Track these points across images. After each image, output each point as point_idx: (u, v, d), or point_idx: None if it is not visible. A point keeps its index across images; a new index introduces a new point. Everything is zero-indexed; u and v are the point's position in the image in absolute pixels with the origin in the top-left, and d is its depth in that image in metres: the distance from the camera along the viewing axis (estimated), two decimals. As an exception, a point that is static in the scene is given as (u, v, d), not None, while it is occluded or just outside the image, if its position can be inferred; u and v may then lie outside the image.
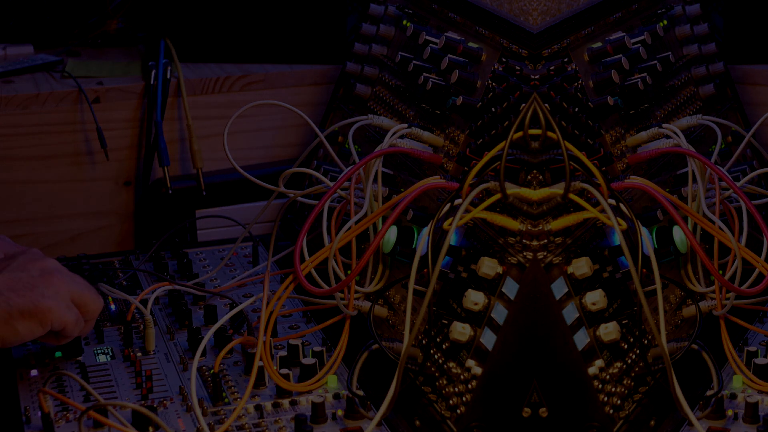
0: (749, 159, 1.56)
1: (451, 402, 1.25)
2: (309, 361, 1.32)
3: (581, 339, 1.23)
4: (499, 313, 1.23)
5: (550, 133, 1.24)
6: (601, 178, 1.23)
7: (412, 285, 1.22)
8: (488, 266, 1.25)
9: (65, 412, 1.26)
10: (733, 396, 1.25)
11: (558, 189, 1.24)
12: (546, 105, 1.25)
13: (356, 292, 1.36)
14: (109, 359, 1.39)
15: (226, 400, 1.29)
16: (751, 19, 1.72)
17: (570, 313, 1.23)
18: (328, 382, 1.31)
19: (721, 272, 1.31)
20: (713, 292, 1.33)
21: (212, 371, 1.32)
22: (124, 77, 1.81)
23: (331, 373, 1.32)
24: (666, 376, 1.16)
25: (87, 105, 1.75)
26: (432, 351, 1.28)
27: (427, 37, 1.53)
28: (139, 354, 1.39)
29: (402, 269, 1.37)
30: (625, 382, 1.26)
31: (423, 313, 1.21)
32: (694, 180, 1.35)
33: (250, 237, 1.67)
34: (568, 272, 1.24)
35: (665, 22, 1.54)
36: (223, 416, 1.25)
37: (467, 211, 1.25)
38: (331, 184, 1.38)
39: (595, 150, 1.32)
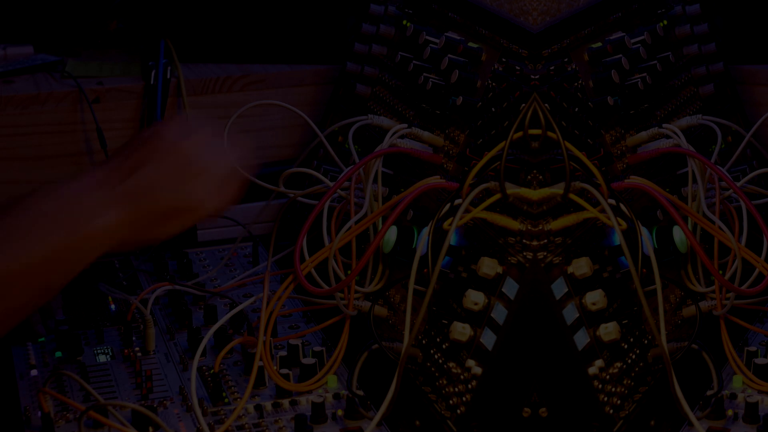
0: (749, 159, 1.56)
1: (451, 402, 1.25)
2: (309, 361, 1.32)
3: (581, 339, 1.23)
4: (499, 313, 1.23)
5: (550, 133, 1.24)
6: (601, 178, 1.23)
7: (412, 285, 1.22)
8: (488, 266, 1.25)
9: (65, 412, 1.26)
10: (733, 396, 1.25)
11: (558, 189, 1.24)
12: (546, 105, 1.25)
13: (356, 292, 1.36)
14: (109, 359, 1.39)
15: (226, 400, 1.29)
16: (751, 19, 1.72)
17: (570, 313, 1.23)
18: (328, 382, 1.31)
19: (721, 272, 1.31)
20: (713, 292, 1.33)
21: (212, 371, 1.32)
22: (124, 77, 1.81)
23: (331, 373, 1.32)
24: (666, 376, 1.16)
25: (87, 105, 1.75)
26: (432, 351, 1.28)
27: (427, 37, 1.53)
28: (139, 354, 1.39)
29: (402, 269, 1.37)
30: (625, 382, 1.26)
31: (423, 313, 1.21)
32: (694, 180, 1.35)
33: (250, 237, 1.67)
34: (568, 272, 1.24)
35: (665, 22, 1.54)
36: (223, 416, 1.25)
37: (467, 211, 1.25)
38: (331, 184, 1.39)
39: (595, 150, 1.32)
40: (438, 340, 1.28)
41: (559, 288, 1.23)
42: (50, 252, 1.10)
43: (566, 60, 1.39)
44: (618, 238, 1.19)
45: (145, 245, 1.20)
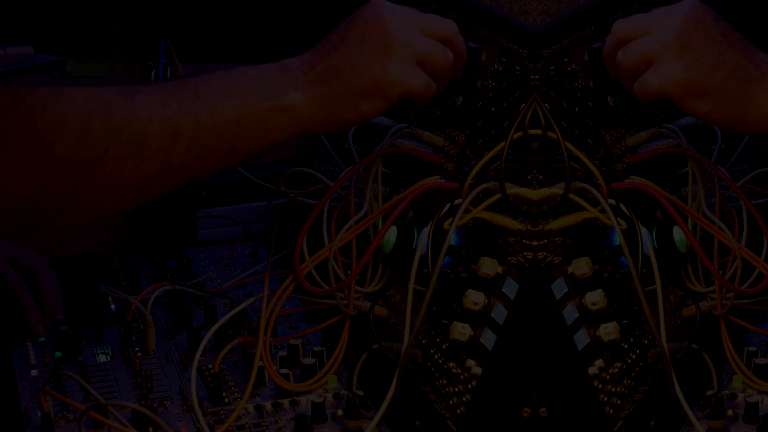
0: (749, 159, 1.56)
1: (451, 402, 1.25)
2: (309, 361, 1.32)
3: (581, 339, 1.23)
4: (499, 313, 1.23)
5: (550, 133, 1.24)
6: (601, 178, 1.23)
7: (412, 285, 1.22)
8: (488, 266, 1.25)
9: (65, 412, 1.26)
10: (733, 396, 1.25)
11: (558, 189, 1.24)
12: (546, 105, 1.25)
13: (356, 292, 1.36)
14: (109, 359, 1.39)
15: (226, 400, 1.29)
16: (751, 19, 1.72)
17: (570, 313, 1.23)
18: (328, 382, 1.31)
19: (721, 272, 1.31)
20: (713, 292, 1.32)
21: (212, 371, 1.32)
22: (124, 77, 1.81)
23: (331, 373, 1.32)
24: (666, 376, 1.16)
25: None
26: (432, 351, 1.28)
27: (427, 37, 1.53)
28: (139, 354, 1.39)
29: (402, 269, 1.37)
30: (625, 382, 1.26)
31: (423, 313, 1.21)
32: (694, 180, 1.35)
33: (250, 237, 1.67)
34: (568, 272, 1.24)
35: (665, 22, 1.54)
36: (223, 416, 1.25)
37: (467, 211, 1.25)
38: (331, 184, 1.38)
39: (595, 150, 1.32)
40: (438, 340, 1.28)
41: (559, 288, 1.23)
42: (238, 113, 1.12)
43: (566, 60, 1.39)
44: (618, 238, 1.19)
45: (337, 128, 1.18)
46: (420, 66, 1.19)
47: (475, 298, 1.24)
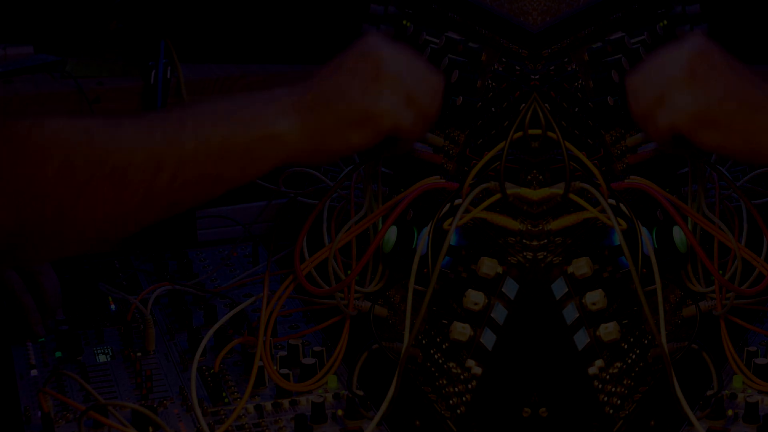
0: (749, 159, 1.56)
1: (451, 402, 1.25)
2: (309, 361, 1.32)
3: (581, 339, 1.23)
4: (499, 313, 1.23)
5: (550, 133, 1.24)
6: (601, 178, 1.23)
7: (412, 285, 1.22)
8: (488, 266, 1.25)
9: (65, 412, 1.26)
10: (733, 396, 1.25)
11: (558, 189, 1.24)
12: (546, 105, 1.25)
13: (356, 292, 1.36)
14: (109, 359, 1.39)
15: (226, 400, 1.29)
16: (751, 19, 1.72)
17: (570, 313, 1.23)
18: (328, 382, 1.31)
19: (721, 272, 1.31)
20: (713, 292, 1.32)
21: (212, 371, 1.32)
22: (124, 77, 1.81)
23: (331, 373, 1.32)
24: (666, 376, 1.16)
25: (87, 105, 1.75)
26: (432, 351, 1.28)
27: (427, 37, 1.53)
28: (139, 354, 1.39)
29: (402, 269, 1.37)
30: (625, 382, 1.26)
31: (423, 313, 1.21)
32: (694, 180, 1.35)
33: (250, 237, 1.67)
34: (568, 272, 1.24)
35: (665, 22, 1.54)
36: (223, 416, 1.25)
37: (467, 211, 1.25)
38: (332, 184, 1.38)
39: (595, 150, 1.32)
40: (438, 340, 1.28)
41: (559, 288, 1.23)
42: (224, 143, 1.11)
43: (566, 60, 1.39)
44: (618, 238, 1.19)
45: (325, 158, 1.17)
46: (410, 100, 1.17)
47: (475, 298, 1.24)
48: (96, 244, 1.15)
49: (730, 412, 1.22)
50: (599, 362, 1.23)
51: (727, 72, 1.13)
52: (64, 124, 1.10)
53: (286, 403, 1.28)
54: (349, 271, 1.37)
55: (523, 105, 1.25)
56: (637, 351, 1.27)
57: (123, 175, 1.09)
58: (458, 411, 1.24)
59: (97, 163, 1.08)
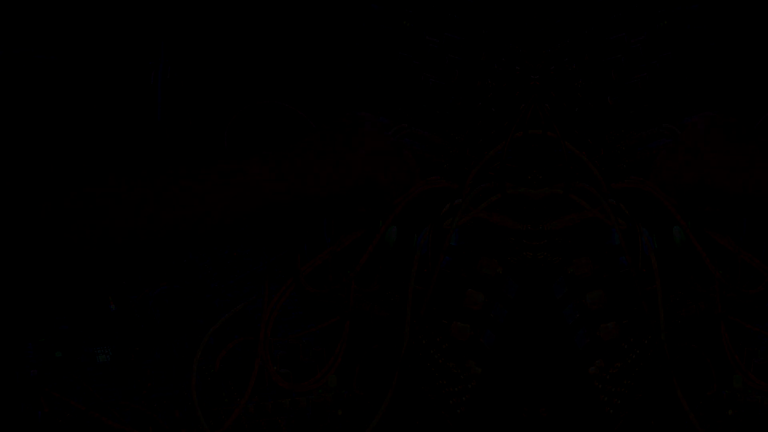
0: (749, 159, 1.56)
1: (451, 402, 1.25)
2: (309, 361, 1.32)
3: (581, 339, 1.22)
4: (499, 313, 1.22)
5: (550, 133, 1.24)
6: (601, 178, 1.23)
7: (412, 285, 1.22)
8: (488, 266, 1.25)
9: (65, 412, 1.26)
10: (733, 396, 1.25)
11: (558, 189, 1.24)
12: (546, 105, 1.25)
13: (356, 292, 1.36)
14: (108, 359, 1.39)
15: (226, 400, 1.29)
16: (751, 19, 1.72)
17: (570, 313, 1.23)
18: (328, 382, 1.31)
19: (721, 272, 1.31)
20: (713, 292, 1.32)
21: (212, 371, 1.32)
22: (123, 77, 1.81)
23: (331, 373, 1.32)
24: (666, 376, 1.16)
25: (87, 105, 1.74)
26: (432, 351, 1.28)
27: (427, 37, 1.53)
28: (139, 354, 1.39)
29: (402, 269, 1.37)
30: (625, 382, 1.26)
31: (423, 313, 1.21)
32: (694, 180, 1.35)
33: (251, 237, 1.67)
34: (568, 272, 1.24)
35: (665, 22, 1.54)
36: (223, 416, 1.25)
37: (467, 211, 1.24)
38: (331, 184, 1.38)
39: (595, 150, 1.32)
40: (438, 340, 1.28)
41: (559, 288, 1.23)
42: (206, 206, 1.16)
43: (566, 60, 1.39)
44: (618, 238, 1.19)
45: (306, 204, 1.20)
46: (392, 160, 1.20)
47: (475, 298, 1.24)
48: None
49: (730, 412, 1.22)
50: (599, 362, 1.23)
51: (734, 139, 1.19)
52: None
53: (286, 403, 1.28)
54: (349, 271, 1.37)
55: (523, 105, 1.25)
56: (637, 351, 1.27)
57: None
58: (458, 411, 1.24)
59: None
